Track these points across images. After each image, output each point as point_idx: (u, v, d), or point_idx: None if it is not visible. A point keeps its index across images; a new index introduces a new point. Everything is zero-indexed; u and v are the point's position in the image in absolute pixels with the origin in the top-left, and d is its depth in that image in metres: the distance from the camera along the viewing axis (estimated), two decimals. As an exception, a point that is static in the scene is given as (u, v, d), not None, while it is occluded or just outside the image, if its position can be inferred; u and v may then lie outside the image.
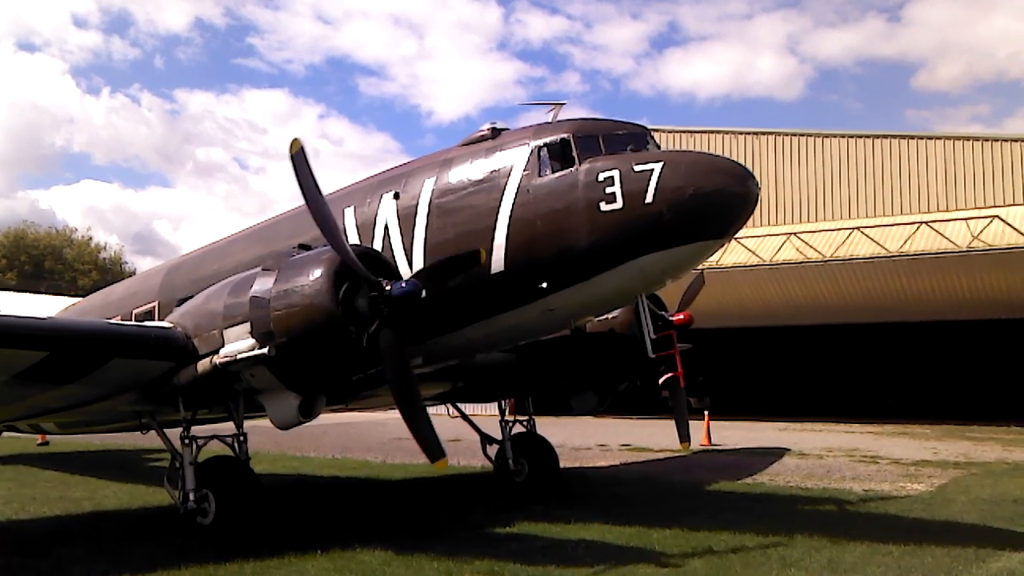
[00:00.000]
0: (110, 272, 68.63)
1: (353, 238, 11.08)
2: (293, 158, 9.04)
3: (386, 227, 10.91)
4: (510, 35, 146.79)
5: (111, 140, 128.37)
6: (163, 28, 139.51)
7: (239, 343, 9.23)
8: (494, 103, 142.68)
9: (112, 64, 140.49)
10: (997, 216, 30.02)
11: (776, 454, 21.57)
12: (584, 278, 9.65)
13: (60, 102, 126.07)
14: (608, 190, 9.39)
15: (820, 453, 21.82)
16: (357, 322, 8.99)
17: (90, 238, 76.67)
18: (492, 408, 15.63)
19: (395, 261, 10.44)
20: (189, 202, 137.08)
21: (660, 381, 13.15)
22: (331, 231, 9.03)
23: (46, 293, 43.90)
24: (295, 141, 9.07)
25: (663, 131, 36.08)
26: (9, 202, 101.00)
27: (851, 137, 37.41)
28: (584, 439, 26.07)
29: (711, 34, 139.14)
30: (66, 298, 30.16)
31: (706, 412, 27.16)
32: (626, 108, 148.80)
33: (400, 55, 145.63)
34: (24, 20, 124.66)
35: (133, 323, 13.05)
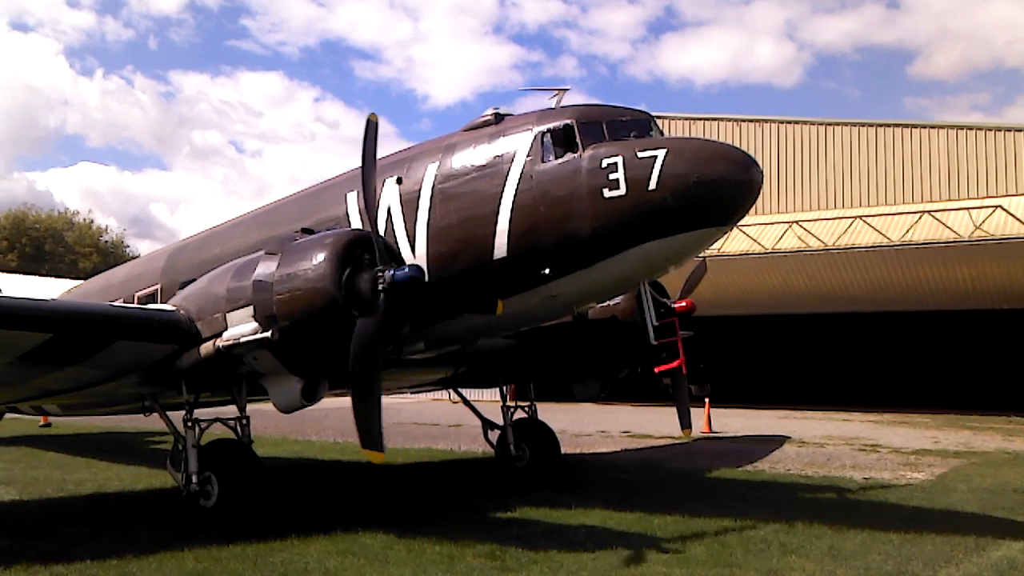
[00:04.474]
0: (111, 255, 68.52)
1: (356, 222, 11.09)
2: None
3: (389, 212, 10.88)
4: (506, 18, 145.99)
5: (106, 122, 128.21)
6: (155, 9, 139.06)
7: (242, 326, 9.27)
8: (491, 87, 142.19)
9: (106, 45, 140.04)
10: (1000, 206, 29.95)
11: (776, 442, 21.64)
12: (587, 264, 9.62)
13: (54, 83, 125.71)
14: (611, 176, 9.35)
15: (820, 441, 21.87)
16: (360, 306, 9.00)
17: (91, 221, 76.59)
18: (494, 393, 15.67)
19: (397, 246, 10.44)
20: (186, 185, 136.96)
21: (660, 368, 13.18)
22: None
23: (47, 275, 43.92)
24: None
25: (663, 118, 35.91)
26: (6, 183, 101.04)
27: (854, 125, 37.31)
28: (585, 425, 26.14)
29: (708, 19, 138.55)
30: (67, 281, 30.18)
31: (707, 399, 27.20)
32: (623, 94, 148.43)
33: (395, 38, 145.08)
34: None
35: (136, 306, 13.05)
